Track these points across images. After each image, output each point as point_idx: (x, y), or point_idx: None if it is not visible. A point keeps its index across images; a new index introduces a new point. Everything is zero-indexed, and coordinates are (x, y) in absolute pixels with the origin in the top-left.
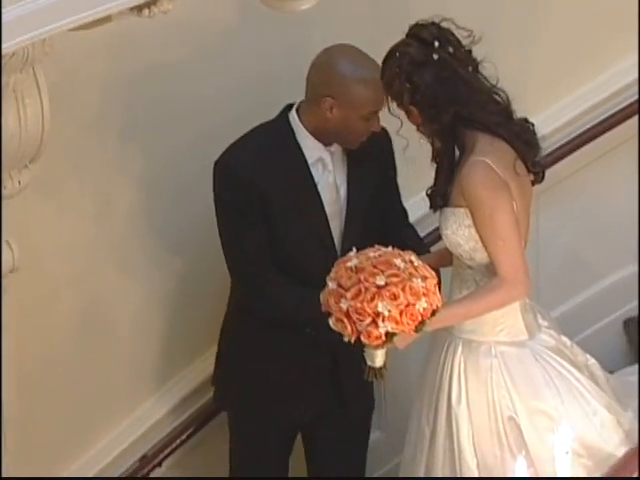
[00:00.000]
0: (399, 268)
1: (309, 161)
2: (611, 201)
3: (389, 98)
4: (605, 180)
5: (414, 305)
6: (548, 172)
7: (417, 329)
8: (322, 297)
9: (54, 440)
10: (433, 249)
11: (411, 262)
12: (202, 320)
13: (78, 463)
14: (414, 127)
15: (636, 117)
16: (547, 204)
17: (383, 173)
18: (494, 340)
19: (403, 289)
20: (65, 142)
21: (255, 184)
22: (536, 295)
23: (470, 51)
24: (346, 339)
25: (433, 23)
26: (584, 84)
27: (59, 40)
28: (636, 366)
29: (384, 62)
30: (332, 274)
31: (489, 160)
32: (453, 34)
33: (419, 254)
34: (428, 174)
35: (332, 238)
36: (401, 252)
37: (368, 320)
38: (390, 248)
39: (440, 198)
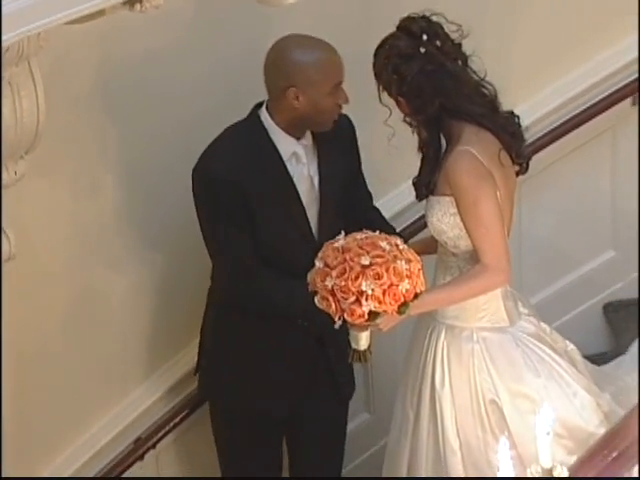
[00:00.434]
0: (384, 250)
1: (284, 157)
2: (589, 190)
3: (380, 88)
4: (583, 169)
5: (397, 286)
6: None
7: (400, 311)
8: (309, 277)
9: (51, 424)
10: (418, 237)
11: (396, 245)
12: (194, 308)
13: (74, 446)
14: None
15: (611, 110)
16: (528, 193)
17: (350, 160)
18: (476, 326)
19: (387, 269)
20: (56, 131)
21: (237, 185)
22: (519, 281)
23: (460, 45)
24: (337, 326)
25: (423, 17)
26: (563, 77)
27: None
28: (613, 362)
29: (375, 53)
30: (320, 254)
31: (474, 150)
32: (442, 28)
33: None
34: (415, 164)
35: (310, 227)
36: (387, 236)
37: (352, 298)
38: (377, 233)
39: (425, 187)
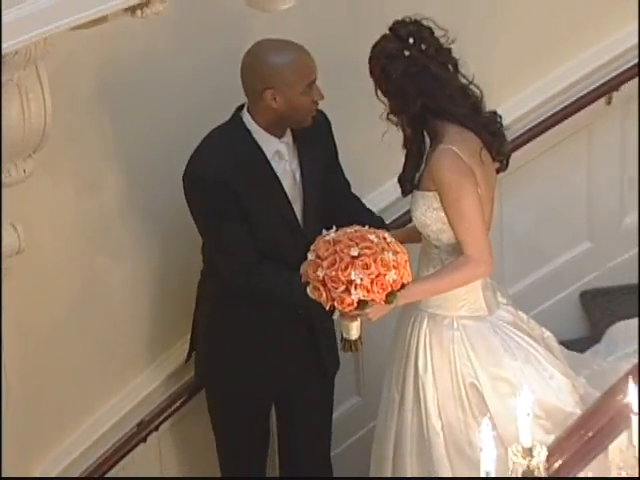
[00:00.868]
0: (372, 242)
1: (268, 155)
2: (566, 185)
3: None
4: (560, 166)
5: (384, 275)
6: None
7: (387, 300)
8: (302, 268)
9: (59, 409)
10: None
11: (384, 238)
12: (191, 301)
13: (81, 429)
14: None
15: (586, 109)
16: (509, 189)
17: (328, 153)
18: (456, 315)
19: (375, 260)
20: (61, 131)
21: (227, 185)
22: (501, 272)
23: (449, 50)
24: (336, 317)
25: (414, 21)
26: (541, 78)
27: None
28: (589, 351)
29: (370, 51)
30: (312, 247)
31: (456, 148)
32: (432, 33)
33: (367, 220)
34: (396, 165)
35: (297, 219)
36: (376, 230)
37: (342, 288)
38: (367, 227)
39: (409, 183)
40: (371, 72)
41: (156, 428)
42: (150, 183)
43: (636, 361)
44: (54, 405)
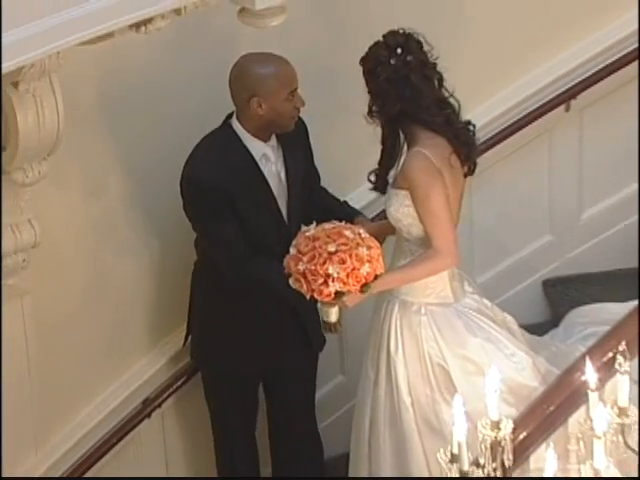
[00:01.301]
0: (348, 238)
1: (256, 158)
2: (530, 183)
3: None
4: (524, 167)
5: (359, 269)
6: (479, 159)
7: (362, 290)
8: (284, 262)
9: (71, 386)
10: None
11: (359, 234)
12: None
13: (92, 406)
14: None
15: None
16: (478, 187)
17: (307, 155)
18: (424, 301)
19: (350, 255)
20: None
21: (223, 188)
22: (471, 262)
23: (435, 64)
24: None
25: (405, 33)
26: (506, 87)
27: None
28: (547, 335)
29: (365, 52)
30: (294, 242)
31: (427, 152)
32: (421, 47)
33: (337, 210)
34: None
35: (282, 215)
36: (352, 226)
37: (320, 280)
38: (344, 223)
39: (381, 179)
40: (362, 71)
41: (160, 405)
42: (151, 185)
43: (591, 343)
44: (69, 383)
